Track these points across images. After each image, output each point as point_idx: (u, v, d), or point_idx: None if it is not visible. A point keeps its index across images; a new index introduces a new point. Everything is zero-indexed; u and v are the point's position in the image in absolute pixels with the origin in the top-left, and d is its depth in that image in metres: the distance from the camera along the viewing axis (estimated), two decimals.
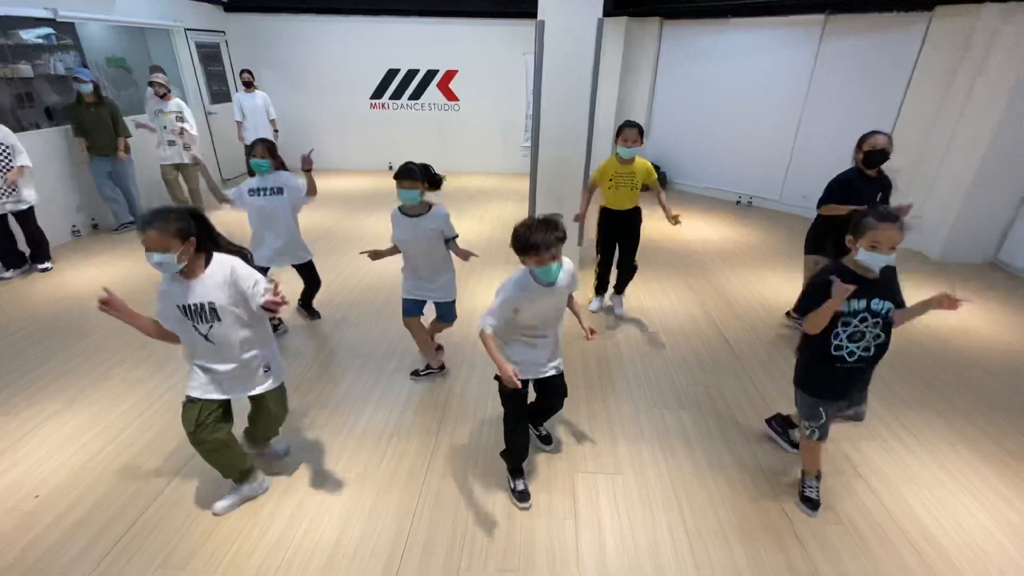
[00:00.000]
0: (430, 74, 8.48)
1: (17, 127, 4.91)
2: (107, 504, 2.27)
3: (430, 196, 2.77)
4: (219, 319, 1.95)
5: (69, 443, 2.61)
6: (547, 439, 2.67)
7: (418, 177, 2.61)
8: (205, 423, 2.04)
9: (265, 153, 3.23)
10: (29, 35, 5.25)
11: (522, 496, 2.32)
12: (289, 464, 2.52)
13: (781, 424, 2.74)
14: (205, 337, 1.98)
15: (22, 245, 4.56)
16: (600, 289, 4.08)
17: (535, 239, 1.88)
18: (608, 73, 7.74)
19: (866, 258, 1.91)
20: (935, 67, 5.23)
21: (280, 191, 3.28)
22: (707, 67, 7.24)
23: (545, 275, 1.98)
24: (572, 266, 2.12)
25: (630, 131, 3.36)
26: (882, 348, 2.05)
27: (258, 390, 2.16)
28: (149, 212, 1.82)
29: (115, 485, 2.37)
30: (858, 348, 2.05)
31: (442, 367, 3.26)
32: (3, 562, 2.01)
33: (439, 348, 3.30)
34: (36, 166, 4.52)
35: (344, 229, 5.88)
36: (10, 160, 4.25)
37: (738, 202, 7.37)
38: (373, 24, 8.09)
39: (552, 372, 2.28)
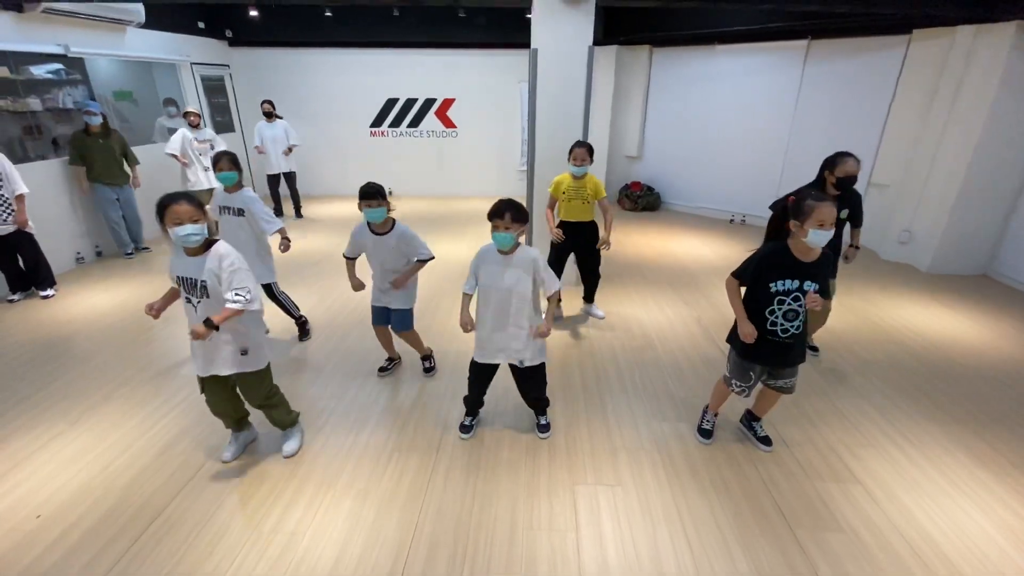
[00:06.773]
0: (428, 103, 8.72)
1: (24, 158, 5.05)
2: (112, 520, 2.27)
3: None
4: (207, 296, 2.18)
5: (72, 463, 2.62)
6: (544, 427, 2.87)
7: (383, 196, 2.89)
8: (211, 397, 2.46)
9: (230, 166, 3.26)
10: (40, 70, 5.44)
11: (465, 429, 2.83)
12: (292, 481, 2.53)
13: (747, 421, 2.85)
14: (195, 309, 2.21)
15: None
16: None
17: (495, 208, 2.37)
18: (600, 99, 7.98)
19: (815, 236, 2.08)
20: (916, 87, 5.41)
21: (241, 212, 3.32)
22: (696, 91, 7.46)
23: (499, 241, 2.39)
24: (534, 254, 2.48)
25: (579, 150, 3.63)
26: (804, 323, 2.28)
27: (224, 371, 2.32)
28: (176, 192, 2.10)
29: (119, 501, 2.38)
30: (792, 326, 2.25)
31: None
32: None
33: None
34: (42, 195, 4.60)
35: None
36: (0, 185, 4.21)
37: (731, 221, 7.50)
38: (372, 56, 8.36)
39: (509, 360, 2.62)
